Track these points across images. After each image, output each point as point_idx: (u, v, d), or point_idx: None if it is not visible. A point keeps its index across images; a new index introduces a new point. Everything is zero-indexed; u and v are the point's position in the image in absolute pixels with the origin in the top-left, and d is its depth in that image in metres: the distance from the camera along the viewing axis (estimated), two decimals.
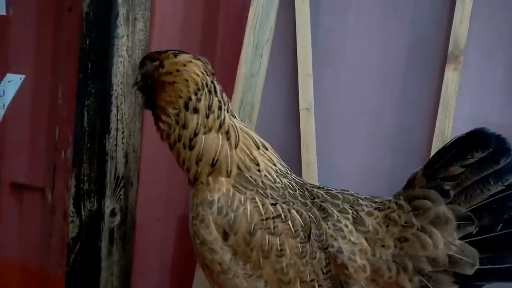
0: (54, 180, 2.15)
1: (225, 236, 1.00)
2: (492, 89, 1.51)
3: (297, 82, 1.63)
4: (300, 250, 1.00)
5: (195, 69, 1.07)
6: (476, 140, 0.99)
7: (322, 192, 1.10)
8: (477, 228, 0.97)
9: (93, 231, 1.89)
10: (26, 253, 2.23)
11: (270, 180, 1.06)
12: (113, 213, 1.88)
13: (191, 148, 1.03)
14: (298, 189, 1.08)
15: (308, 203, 1.06)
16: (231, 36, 1.81)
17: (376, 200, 1.10)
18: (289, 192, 1.06)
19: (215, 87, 1.09)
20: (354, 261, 1.01)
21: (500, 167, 0.96)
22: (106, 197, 1.88)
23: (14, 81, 2.22)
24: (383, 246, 1.02)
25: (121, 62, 1.86)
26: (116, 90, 1.86)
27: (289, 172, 1.13)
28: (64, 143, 2.07)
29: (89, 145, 1.87)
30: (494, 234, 0.95)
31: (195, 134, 1.03)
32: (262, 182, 1.04)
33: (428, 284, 0.98)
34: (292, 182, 1.09)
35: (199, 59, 1.11)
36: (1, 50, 2.20)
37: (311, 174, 1.63)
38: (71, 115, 1.98)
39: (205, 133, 1.04)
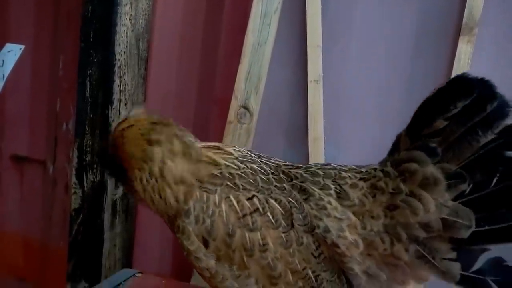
0: (56, 153, 2.13)
1: (205, 243, 0.96)
2: (505, 63, 1.48)
3: (306, 53, 1.59)
4: (285, 239, 0.94)
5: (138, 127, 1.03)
6: (457, 88, 0.88)
7: (301, 172, 1.02)
8: (470, 186, 0.87)
9: (96, 203, 1.88)
10: (28, 225, 2.22)
11: (234, 168, 1.00)
12: (116, 185, 1.86)
13: (163, 177, 0.99)
14: (272, 172, 1.02)
15: (286, 186, 0.99)
16: (238, 4, 1.76)
17: (362, 170, 1.01)
18: (260, 177, 1.00)
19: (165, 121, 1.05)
20: (344, 238, 0.95)
21: (487, 114, 0.85)
22: None
23: (13, 51, 2.17)
24: (372, 217, 0.95)
25: (124, 31, 1.81)
26: (119, 60, 1.82)
27: (259, 157, 1.06)
28: (65, 115, 2.04)
29: (91, 116, 1.84)
30: (489, 190, 0.86)
31: (163, 163, 1.00)
32: (229, 172, 0.99)
33: (423, 252, 0.91)
34: (263, 166, 1.03)
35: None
36: (0, 19, 2.14)
37: (317, 149, 1.61)
38: (72, 86, 1.94)
39: (171, 161, 1.00)
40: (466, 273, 0.89)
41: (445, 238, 0.90)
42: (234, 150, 1.06)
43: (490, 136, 0.86)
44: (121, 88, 1.87)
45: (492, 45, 1.49)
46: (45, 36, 2.06)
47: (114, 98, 1.84)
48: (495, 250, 0.89)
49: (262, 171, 1.02)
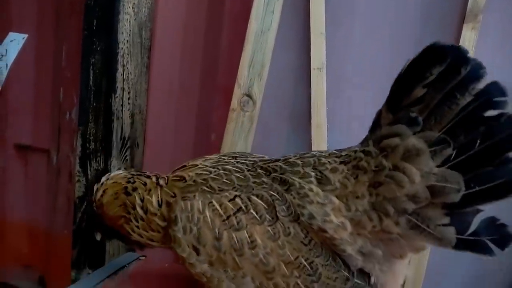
0: (59, 142, 2.14)
1: (196, 251, 0.99)
2: (510, 49, 1.47)
3: (309, 40, 1.58)
4: (272, 232, 0.96)
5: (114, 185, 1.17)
6: (431, 56, 0.88)
7: (280, 164, 1.04)
8: (455, 150, 0.87)
9: None
10: (32, 213, 2.24)
11: (206, 173, 1.05)
12: None
13: (147, 211, 1.10)
14: (249, 169, 1.04)
15: (266, 180, 1.01)
16: None
17: (342, 153, 1.02)
18: (236, 176, 1.02)
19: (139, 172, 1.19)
20: (330, 222, 0.95)
21: (462, 77, 0.86)
22: (113, 157, 1.86)
23: (16, 41, 2.17)
24: (357, 197, 0.95)
25: (127, 19, 1.81)
26: (122, 48, 1.82)
27: (234, 158, 1.10)
28: (68, 104, 2.05)
29: (95, 104, 1.84)
30: (474, 151, 0.86)
31: (143, 201, 1.11)
32: (201, 179, 1.04)
33: (417, 222, 0.91)
34: (238, 165, 1.05)
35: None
36: (2, 8, 2.14)
37: (320, 136, 1.61)
38: (75, 76, 1.94)
39: (148, 195, 1.11)
40: (462, 237, 0.89)
41: (436, 205, 0.90)
42: (202, 160, 1.12)
43: (468, 98, 0.87)
44: (124, 77, 1.87)
45: (497, 31, 1.48)
46: (48, 25, 2.06)
47: (117, 87, 1.85)
48: (489, 211, 0.89)
49: (237, 169, 1.04)
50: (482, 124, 0.86)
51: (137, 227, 1.10)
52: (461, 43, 1.46)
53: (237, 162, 1.07)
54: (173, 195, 1.06)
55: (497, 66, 1.45)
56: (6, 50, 2.19)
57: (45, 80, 2.15)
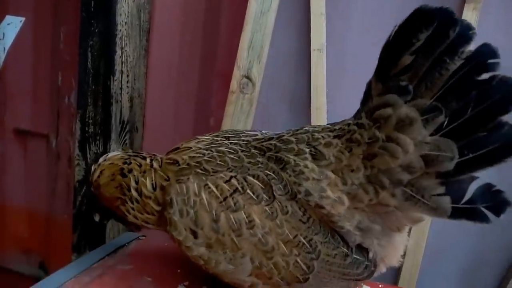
0: (58, 126, 2.13)
1: (194, 234, 0.97)
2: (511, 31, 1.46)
3: (309, 22, 1.57)
4: (269, 212, 0.95)
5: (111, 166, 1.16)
6: (417, 21, 0.85)
7: (274, 142, 1.03)
8: (447, 117, 0.85)
9: None
10: (32, 198, 2.24)
11: (199, 155, 1.04)
12: None
13: (142, 194, 1.09)
14: (243, 150, 1.03)
15: (261, 160, 1.00)
16: None
17: (336, 127, 1.00)
18: (230, 157, 1.01)
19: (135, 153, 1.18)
20: (327, 198, 0.94)
21: (451, 40, 0.83)
22: (112, 140, 1.86)
23: (14, 24, 2.15)
24: (352, 171, 0.94)
25: (125, 1, 1.79)
26: (120, 30, 1.80)
27: (227, 138, 1.09)
28: (67, 88, 2.03)
29: (93, 87, 1.83)
30: (466, 117, 0.83)
31: (137, 184, 1.10)
32: (195, 161, 1.03)
33: (412, 193, 0.89)
34: (232, 146, 1.04)
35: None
36: None
37: (320, 119, 1.61)
38: (74, 59, 1.92)
39: (143, 177, 1.10)
40: (458, 205, 0.88)
41: (431, 174, 0.88)
42: (195, 143, 1.10)
43: (458, 62, 0.83)
44: (123, 60, 1.85)
45: (499, 11, 1.46)
46: (45, 8, 2.04)
47: (116, 70, 1.83)
48: (484, 178, 0.88)
49: (231, 150, 1.03)
50: (474, 89, 0.83)
51: (132, 209, 1.09)
52: None
53: (230, 143, 1.06)
54: (167, 178, 1.05)
55: (500, 47, 1.44)
56: (3, 33, 2.17)
57: (44, 64, 2.13)
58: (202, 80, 1.90)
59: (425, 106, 0.87)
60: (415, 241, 1.53)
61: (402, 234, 1.03)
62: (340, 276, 0.99)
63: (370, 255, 1.01)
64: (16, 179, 2.26)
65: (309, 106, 1.62)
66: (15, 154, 2.26)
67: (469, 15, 1.45)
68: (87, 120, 1.86)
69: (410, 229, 1.52)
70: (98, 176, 1.14)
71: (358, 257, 0.99)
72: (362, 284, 1.22)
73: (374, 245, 1.00)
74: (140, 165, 1.10)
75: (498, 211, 0.86)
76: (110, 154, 1.18)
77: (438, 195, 0.89)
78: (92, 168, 1.17)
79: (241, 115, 1.66)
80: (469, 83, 0.84)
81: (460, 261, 1.60)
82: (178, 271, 1.19)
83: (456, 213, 0.88)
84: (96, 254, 1.22)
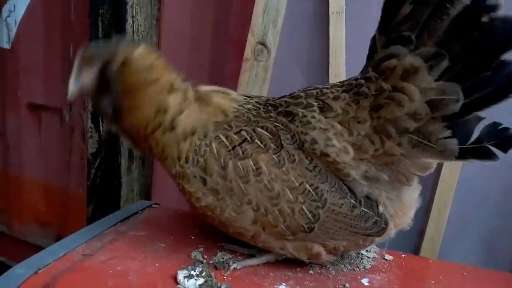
0: None
1: (203, 181, 0.98)
2: None
3: None
4: (277, 160, 0.96)
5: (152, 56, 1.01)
6: None
7: (285, 99, 1.05)
8: (450, 62, 0.86)
9: (113, 147, 1.87)
10: (48, 172, 2.25)
11: (241, 117, 1.03)
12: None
13: (173, 129, 1.00)
14: (262, 107, 1.05)
15: (272, 115, 1.02)
16: None
17: (344, 83, 1.02)
18: (252, 114, 1.03)
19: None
20: (332, 146, 0.95)
21: None
22: None
23: None
24: (358, 122, 0.95)
25: None
26: None
27: (249, 99, 1.09)
28: None
29: None
30: (469, 59, 0.84)
31: (181, 112, 1.00)
32: (235, 124, 1.01)
33: (418, 139, 0.90)
34: (256, 104, 1.06)
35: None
36: None
37: None
38: (85, 30, 1.88)
39: (187, 108, 1.01)
40: (465, 146, 0.89)
41: (437, 119, 0.90)
42: (236, 95, 1.09)
43: (459, 7, 0.83)
44: (134, 29, 1.81)
45: None
46: None
47: (127, 39, 1.78)
48: (489, 118, 0.88)
49: (255, 108, 1.05)
50: (475, 31, 0.83)
51: (152, 132, 0.98)
52: None
53: (255, 102, 1.08)
54: (202, 134, 1.00)
55: None
56: (14, 5, 2.14)
57: (55, 37, 2.10)
58: (215, 49, 1.84)
59: (429, 53, 0.87)
60: (438, 210, 1.48)
61: (412, 190, 1.02)
62: (347, 228, 0.99)
63: (380, 209, 0.99)
64: (31, 154, 2.27)
65: (327, 73, 1.55)
66: (30, 129, 2.26)
67: None
68: None
69: (428, 207, 1.47)
70: (141, 55, 0.97)
71: (366, 210, 0.98)
72: (376, 248, 1.19)
73: (383, 197, 0.99)
74: (186, 90, 1.01)
75: (505, 147, 0.87)
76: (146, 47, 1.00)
77: (445, 138, 0.90)
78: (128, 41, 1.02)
79: (255, 84, 1.60)
80: (470, 26, 0.84)
81: (482, 230, 1.54)
82: (192, 237, 1.17)
83: (464, 154, 0.90)
84: (108, 220, 1.20)
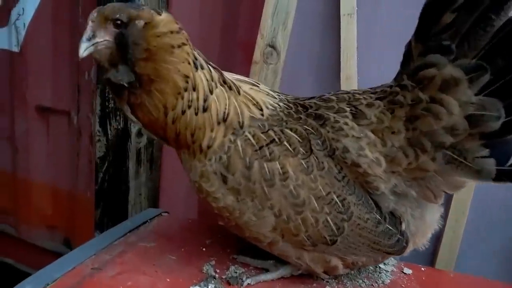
0: (79, 103, 2.10)
1: (224, 179, 0.91)
2: None
3: None
4: (305, 166, 0.91)
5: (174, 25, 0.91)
6: None
7: (315, 101, 1.00)
8: (492, 76, 0.81)
9: (120, 151, 1.85)
10: (56, 175, 2.25)
11: (274, 115, 0.97)
12: (139, 133, 1.83)
13: (205, 110, 0.90)
14: (292, 107, 0.99)
15: (302, 116, 0.97)
16: None
17: (377, 90, 0.97)
18: (284, 113, 0.97)
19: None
20: (365, 157, 0.91)
21: None
22: None
23: None
24: (393, 133, 0.91)
25: None
26: (140, 0, 1.73)
27: (280, 95, 1.03)
28: (87, 64, 1.99)
29: None
30: None
31: (210, 92, 0.91)
32: (268, 123, 0.94)
33: (453, 155, 0.86)
34: (287, 103, 1.00)
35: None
36: None
37: (350, 88, 1.50)
38: None
39: (215, 88, 0.92)
40: (503, 168, 0.84)
41: (474, 136, 0.85)
42: (267, 89, 1.03)
43: (504, 18, 0.79)
44: None
45: None
46: None
47: None
48: None
49: (287, 107, 1.00)
50: None
51: (182, 111, 0.87)
52: None
53: (285, 100, 1.02)
54: (237, 124, 0.93)
55: None
56: (23, 8, 2.13)
57: (63, 39, 2.09)
58: (223, 51, 1.81)
59: (469, 65, 0.83)
60: (454, 220, 1.44)
61: (435, 209, 0.98)
62: (370, 244, 0.95)
63: (403, 226, 0.96)
64: (39, 157, 2.27)
65: (339, 76, 1.51)
66: (38, 132, 2.26)
67: None
68: (107, 95, 1.82)
69: (445, 214, 1.43)
70: (166, 17, 0.87)
71: (390, 228, 0.95)
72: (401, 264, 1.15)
73: (407, 214, 0.95)
74: (210, 70, 0.93)
75: None
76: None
77: (482, 157, 0.86)
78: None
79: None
80: None
81: (500, 239, 1.50)
82: (203, 249, 1.14)
83: (502, 176, 0.85)
84: (117, 230, 1.18)
